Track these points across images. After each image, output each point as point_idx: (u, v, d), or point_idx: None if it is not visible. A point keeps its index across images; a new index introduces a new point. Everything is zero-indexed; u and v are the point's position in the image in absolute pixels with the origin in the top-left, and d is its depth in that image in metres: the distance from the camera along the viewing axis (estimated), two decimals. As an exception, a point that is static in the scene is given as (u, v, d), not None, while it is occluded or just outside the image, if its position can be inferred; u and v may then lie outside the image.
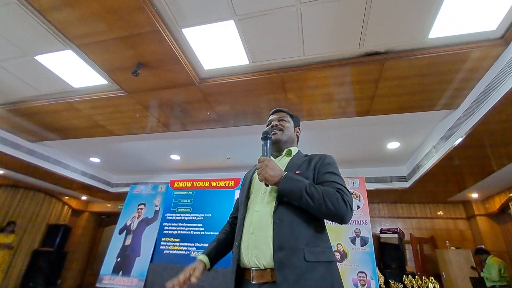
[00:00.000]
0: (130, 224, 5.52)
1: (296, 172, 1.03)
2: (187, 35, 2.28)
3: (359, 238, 3.74)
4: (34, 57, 2.69)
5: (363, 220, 3.82)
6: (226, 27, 2.16)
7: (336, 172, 1.04)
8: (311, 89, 2.77)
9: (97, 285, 5.83)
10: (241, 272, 0.95)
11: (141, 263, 4.46)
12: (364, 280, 3.49)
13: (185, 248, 4.28)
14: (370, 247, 3.63)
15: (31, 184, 6.14)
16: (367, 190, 4.04)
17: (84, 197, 7.42)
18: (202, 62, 2.57)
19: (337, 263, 3.70)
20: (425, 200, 5.63)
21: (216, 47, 2.37)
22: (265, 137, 1.11)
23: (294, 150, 1.21)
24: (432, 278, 3.82)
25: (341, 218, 0.90)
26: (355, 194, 4.02)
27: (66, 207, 7.23)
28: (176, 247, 4.34)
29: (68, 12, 2.11)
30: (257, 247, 0.91)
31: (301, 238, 0.89)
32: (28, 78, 3.06)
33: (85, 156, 5.29)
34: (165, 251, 4.38)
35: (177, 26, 2.20)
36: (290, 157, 1.16)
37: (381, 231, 5.44)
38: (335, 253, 3.71)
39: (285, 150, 1.19)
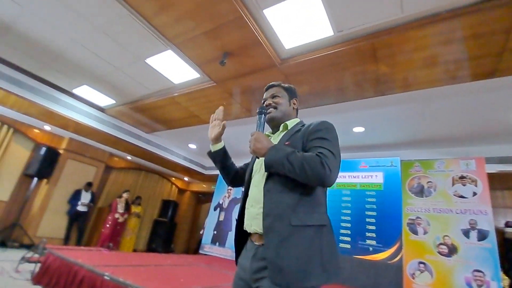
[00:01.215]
0: (222, 202, 6.22)
1: (286, 143, 1.06)
2: (268, 16, 2.28)
3: (475, 231, 3.12)
4: (145, 60, 3.25)
5: (481, 210, 3.15)
6: (307, -2, 2.05)
7: (325, 137, 1.02)
8: (409, 53, 2.36)
9: (200, 251, 6.88)
10: (248, 235, 1.10)
11: (233, 236, 4.96)
12: (481, 281, 2.92)
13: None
14: (491, 242, 2.98)
15: (148, 167, 7.66)
16: (487, 173, 3.27)
17: (186, 178, 8.77)
18: (283, 42, 2.54)
19: (445, 257, 3.18)
20: None
21: (297, 22, 2.29)
22: (259, 112, 1.14)
23: (291, 123, 1.20)
24: None
25: (320, 180, 0.91)
26: (469, 178, 3.32)
27: (173, 186, 8.72)
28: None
29: (166, 15, 2.43)
30: (254, 218, 1.02)
31: (286, 205, 0.95)
32: (142, 79, 3.73)
33: (185, 143, 6.17)
34: (254, 228, 4.73)
35: (258, 8, 2.23)
36: (286, 131, 1.16)
37: (507, 225, 4.35)
38: (441, 246, 3.21)
39: (282, 125, 1.19)
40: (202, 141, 5.82)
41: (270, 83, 1.31)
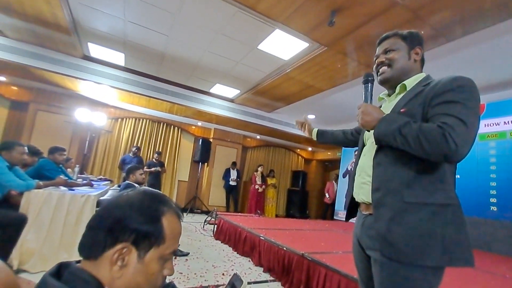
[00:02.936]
0: (351, 168, 6.02)
1: (401, 110, 0.93)
2: None
3: None
4: (257, 47, 3.48)
5: None
6: None
7: (455, 100, 0.81)
8: None
9: (335, 217, 7.07)
10: (357, 204, 1.08)
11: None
12: None
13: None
14: None
15: (275, 143, 8.42)
16: None
17: (310, 148, 9.05)
18: (404, -30, 2.04)
19: None
20: None
21: None
22: (365, 80, 1.01)
23: (410, 82, 1.00)
24: None
25: (441, 157, 0.79)
26: None
27: (299, 157, 9.23)
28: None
29: (269, -4, 2.47)
30: (362, 187, 1.00)
31: (398, 180, 0.87)
32: (257, 65, 4.05)
33: (304, 114, 6.29)
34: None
35: None
36: (404, 93, 0.99)
37: None
38: None
39: (399, 86, 1.01)
40: (320, 110, 5.74)
41: (383, 35, 1.08)
